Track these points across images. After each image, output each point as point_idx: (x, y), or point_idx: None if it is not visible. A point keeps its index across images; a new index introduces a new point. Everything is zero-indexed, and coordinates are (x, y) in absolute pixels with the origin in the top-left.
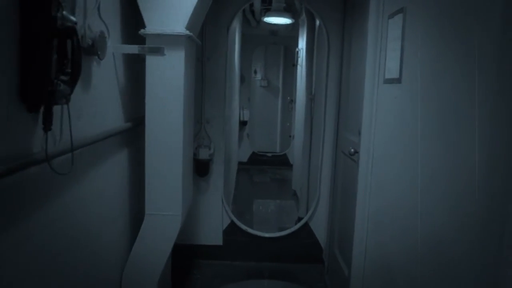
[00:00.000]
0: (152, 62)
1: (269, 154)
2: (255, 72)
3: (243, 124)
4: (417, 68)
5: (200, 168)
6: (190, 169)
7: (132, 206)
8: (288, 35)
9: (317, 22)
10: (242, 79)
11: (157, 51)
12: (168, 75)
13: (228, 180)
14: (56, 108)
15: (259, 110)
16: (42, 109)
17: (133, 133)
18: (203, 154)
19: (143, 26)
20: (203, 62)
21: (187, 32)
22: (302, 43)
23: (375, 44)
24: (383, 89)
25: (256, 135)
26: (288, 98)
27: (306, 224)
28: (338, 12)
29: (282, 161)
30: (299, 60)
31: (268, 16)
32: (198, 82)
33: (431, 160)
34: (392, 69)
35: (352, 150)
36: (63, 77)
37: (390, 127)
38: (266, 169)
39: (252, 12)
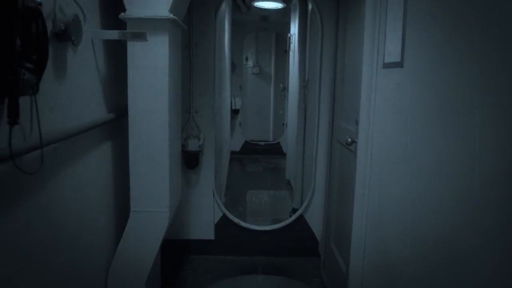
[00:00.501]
0: (134, 49)
1: (262, 143)
2: (247, 59)
3: (235, 112)
4: (421, 51)
5: (190, 160)
6: (178, 161)
7: (117, 203)
8: (279, 21)
9: (310, 6)
10: (233, 66)
11: (139, 36)
12: (151, 62)
13: (220, 171)
14: (25, 100)
15: (251, 98)
16: (6, 101)
17: (117, 125)
18: (192, 146)
19: (124, 10)
20: (191, 48)
21: (171, 16)
22: (294, 29)
23: (373, 25)
24: (382, 74)
25: (248, 123)
26: (281, 85)
27: (301, 216)
28: None
29: (275, 150)
30: (292, 46)
31: (258, 0)
32: (186, 70)
33: (436, 151)
34: (392, 52)
35: (349, 139)
36: (28, 65)
37: (390, 115)
38: (259, 158)
39: None
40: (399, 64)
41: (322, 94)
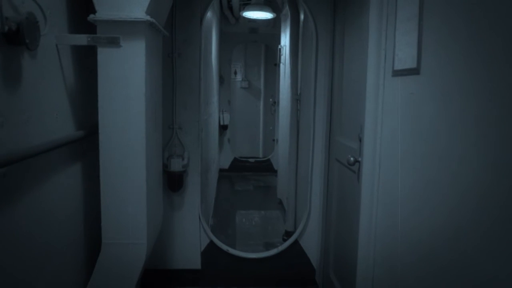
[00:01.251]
0: (105, 56)
1: (252, 160)
2: (235, 73)
3: (223, 128)
4: (443, 54)
5: (173, 182)
6: (158, 184)
7: (88, 232)
8: (269, 33)
9: (302, 16)
10: (221, 80)
11: (111, 41)
12: (125, 71)
13: (207, 193)
14: None
15: (240, 113)
16: None
17: (87, 143)
18: (176, 166)
19: (94, 11)
20: (173, 58)
21: (148, 18)
22: (285, 40)
23: (379, 29)
24: (391, 84)
25: (237, 139)
26: (271, 99)
27: (295, 242)
28: (327, 1)
29: (265, 167)
30: (282, 58)
31: (247, 10)
32: (168, 82)
33: (463, 174)
34: (405, 57)
35: (352, 158)
36: None
37: (402, 132)
38: (248, 176)
39: (231, 8)
40: (414, 71)
41: (318, 107)
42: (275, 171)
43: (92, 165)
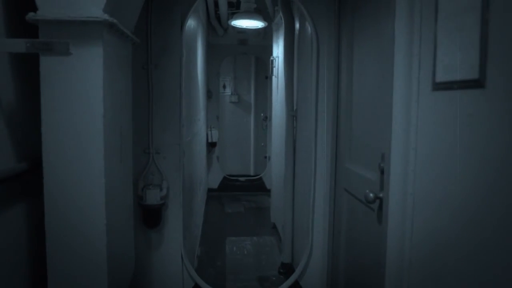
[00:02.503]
0: (49, 67)
1: (242, 179)
2: (224, 86)
3: (211, 146)
4: None
5: (149, 217)
6: (127, 221)
7: None
8: (259, 44)
9: (297, 25)
10: (209, 94)
11: (57, 48)
12: (77, 87)
13: (191, 223)
14: None
15: (230, 129)
16: None
17: (33, 178)
18: (152, 198)
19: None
20: (149, 70)
21: (106, 17)
22: (277, 50)
23: (409, 26)
24: (431, 101)
25: (227, 157)
26: (262, 114)
27: (296, 283)
28: (329, 4)
29: (257, 186)
30: (275, 70)
31: (236, 19)
32: (143, 98)
33: None
34: (455, 64)
35: (371, 195)
36: None
37: (454, 165)
38: (239, 196)
39: (218, 17)
40: (473, 84)
41: (320, 127)
42: (268, 190)
43: (42, 206)
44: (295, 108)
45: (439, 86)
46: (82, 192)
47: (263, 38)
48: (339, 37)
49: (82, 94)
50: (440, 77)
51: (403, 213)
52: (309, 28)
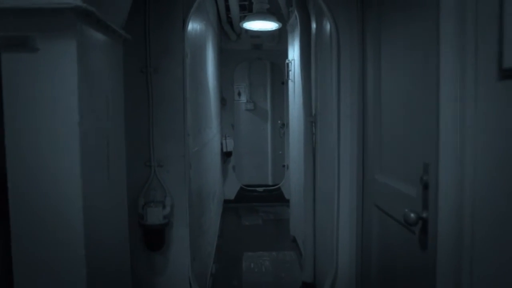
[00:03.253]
0: (12, 66)
1: (260, 189)
2: (239, 94)
3: (226, 155)
4: None
5: (151, 239)
6: (121, 249)
7: None
8: (274, 49)
9: (314, 25)
10: (223, 102)
11: (21, 43)
12: (46, 88)
13: (202, 243)
14: None
15: (246, 138)
16: None
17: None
18: (154, 217)
19: None
20: (148, 74)
21: (79, 3)
22: (293, 53)
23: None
24: (498, 93)
25: (243, 167)
26: (279, 121)
27: None
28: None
29: (275, 197)
30: (291, 74)
31: (248, 20)
32: (142, 105)
33: None
34: None
35: (412, 215)
36: None
37: None
38: (257, 207)
39: (230, 22)
40: None
41: (343, 134)
42: (287, 201)
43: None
44: (313, 113)
45: (508, 74)
46: (56, 221)
47: (278, 42)
48: (363, 33)
49: (52, 97)
50: (509, 62)
51: (457, 239)
52: (328, 26)
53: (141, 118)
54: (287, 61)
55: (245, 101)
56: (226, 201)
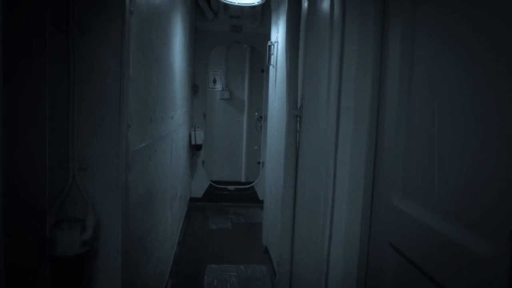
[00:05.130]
0: None
1: (232, 187)
2: (214, 81)
3: (196, 149)
4: None
5: (63, 276)
6: None
7: None
8: (255, 32)
9: (305, 3)
10: (195, 89)
11: None
12: None
13: (148, 270)
14: None
15: (219, 130)
16: None
17: None
18: (67, 243)
19: None
20: (70, 35)
21: None
22: (276, 34)
23: None
24: None
25: (214, 162)
26: (256, 113)
27: None
28: None
29: (248, 197)
30: (272, 58)
31: None
32: (59, 80)
33: None
34: None
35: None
36: None
37: None
38: (227, 208)
39: None
40: None
41: (342, 137)
42: (260, 202)
43: None
44: (299, 105)
45: None
46: None
47: (260, 24)
48: (384, 11)
49: None
50: None
51: None
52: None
53: (56, 99)
54: (269, 43)
55: (220, 89)
56: (192, 199)
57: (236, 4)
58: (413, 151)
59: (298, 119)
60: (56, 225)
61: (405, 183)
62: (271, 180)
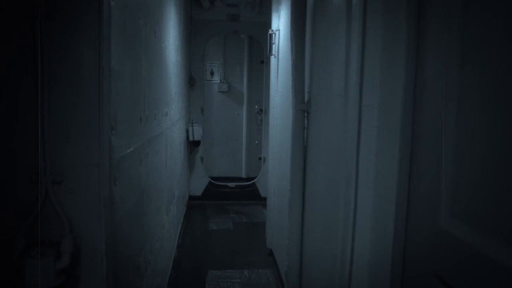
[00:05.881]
0: None
1: (232, 184)
2: (212, 73)
3: (194, 145)
4: None
5: None
6: None
7: None
8: (253, 21)
9: None
10: (192, 82)
11: None
12: None
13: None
14: None
15: (218, 124)
16: None
17: None
18: (39, 275)
19: None
20: (38, 22)
21: None
22: (278, 22)
23: None
24: None
25: (214, 157)
26: (256, 106)
27: None
28: None
29: (249, 194)
30: (274, 48)
31: None
32: (25, 75)
33: None
34: None
35: None
36: None
37: None
38: (227, 206)
39: None
40: None
41: (365, 142)
42: (263, 199)
43: None
44: (306, 99)
45: None
46: None
47: (259, 12)
48: None
49: None
50: None
51: None
52: None
53: (24, 99)
54: (270, 32)
55: (218, 81)
56: (191, 198)
57: None
58: (466, 161)
59: (306, 114)
60: (26, 251)
61: (455, 200)
62: (274, 177)
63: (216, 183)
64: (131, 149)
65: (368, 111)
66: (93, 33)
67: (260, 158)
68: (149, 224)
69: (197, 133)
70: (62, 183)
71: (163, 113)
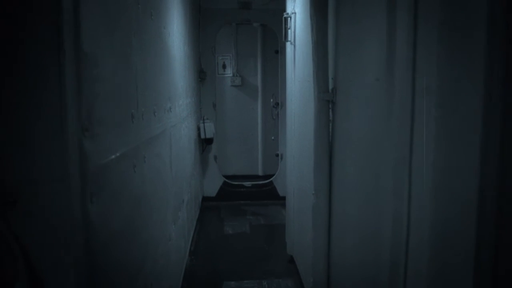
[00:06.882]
0: None
1: (248, 184)
2: (224, 66)
3: (207, 143)
4: None
5: None
6: None
7: None
8: (266, 8)
9: None
10: (202, 76)
11: None
12: None
13: None
14: None
15: (231, 120)
16: None
17: None
18: None
19: None
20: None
21: None
22: (293, 4)
23: None
24: None
25: (228, 155)
26: (272, 100)
27: None
28: None
29: (267, 193)
30: (290, 33)
31: None
32: None
33: None
34: None
35: None
36: None
37: None
38: (244, 207)
39: None
40: None
41: (418, 138)
42: (281, 198)
43: None
44: (331, 88)
45: None
46: None
47: (270, 0)
48: None
49: None
50: None
51: None
52: None
53: None
54: (285, 15)
55: (230, 75)
56: (205, 199)
57: None
58: None
59: (331, 105)
60: None
61: None
62: (294, 176)
63: (231, 182)
64: (118, 154)
65: (424, 96)
66: (50, 2)
67: (277, 155)
68: (149, 241)
69: (209, 130)
70: (17, 204)
71: (165, 109)
